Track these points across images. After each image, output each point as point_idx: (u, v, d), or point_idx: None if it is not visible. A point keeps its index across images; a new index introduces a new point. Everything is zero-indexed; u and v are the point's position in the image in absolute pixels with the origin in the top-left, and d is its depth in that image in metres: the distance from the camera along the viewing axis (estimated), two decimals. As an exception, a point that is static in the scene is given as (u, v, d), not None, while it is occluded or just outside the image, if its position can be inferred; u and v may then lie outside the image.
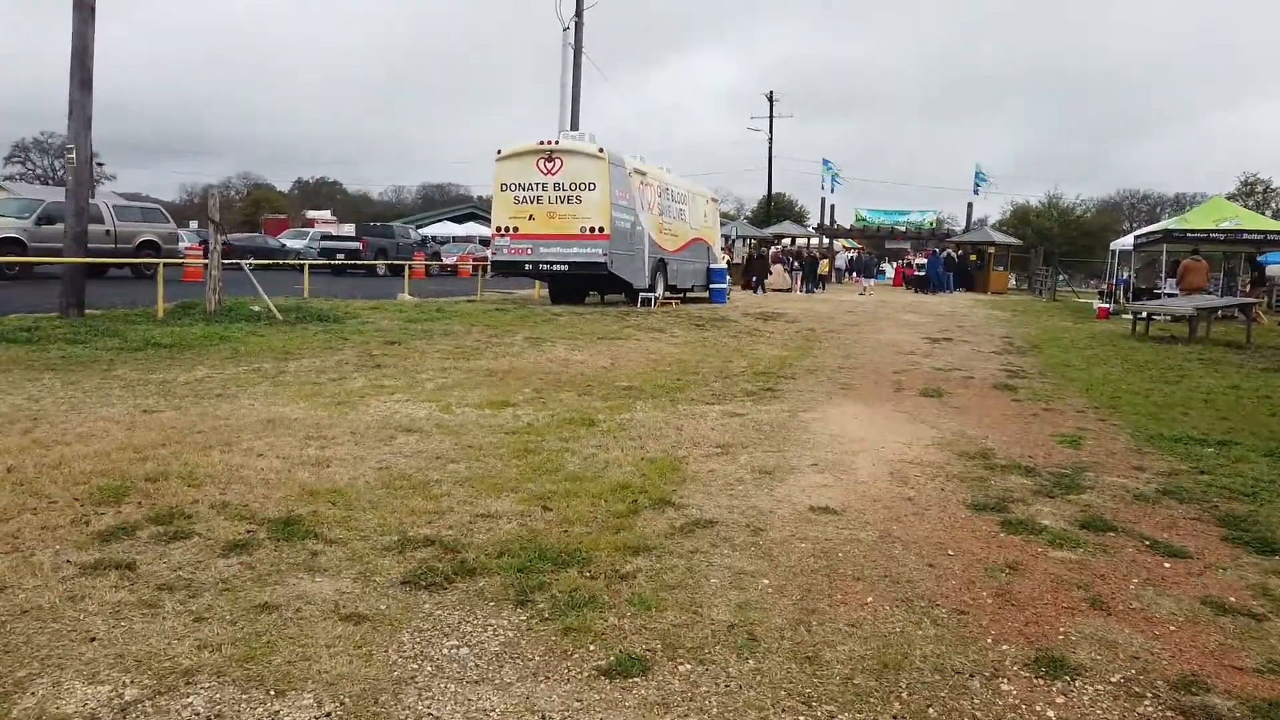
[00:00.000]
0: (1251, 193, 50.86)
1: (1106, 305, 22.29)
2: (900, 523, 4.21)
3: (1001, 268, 38.68)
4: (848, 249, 50.74)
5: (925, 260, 35.18)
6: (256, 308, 12.55)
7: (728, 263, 25.54)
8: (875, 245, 51.72)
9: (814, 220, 48.53)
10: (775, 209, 55.54)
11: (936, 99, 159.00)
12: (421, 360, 9.47)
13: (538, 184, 16.99)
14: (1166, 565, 3.80)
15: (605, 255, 16.67)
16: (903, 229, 42.26)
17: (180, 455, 4.97)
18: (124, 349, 9.41)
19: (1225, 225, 21.21)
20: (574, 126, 24.19)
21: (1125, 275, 27.62)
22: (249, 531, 3.81)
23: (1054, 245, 44.79)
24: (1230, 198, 54.89)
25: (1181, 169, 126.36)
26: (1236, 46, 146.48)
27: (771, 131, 48.99)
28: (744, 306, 21.27)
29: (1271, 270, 27.18)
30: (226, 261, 12.93)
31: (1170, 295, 22.93)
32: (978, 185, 40.75)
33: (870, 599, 3.31)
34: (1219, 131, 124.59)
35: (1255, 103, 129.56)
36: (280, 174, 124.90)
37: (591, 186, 16.70)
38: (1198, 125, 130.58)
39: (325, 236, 35.98)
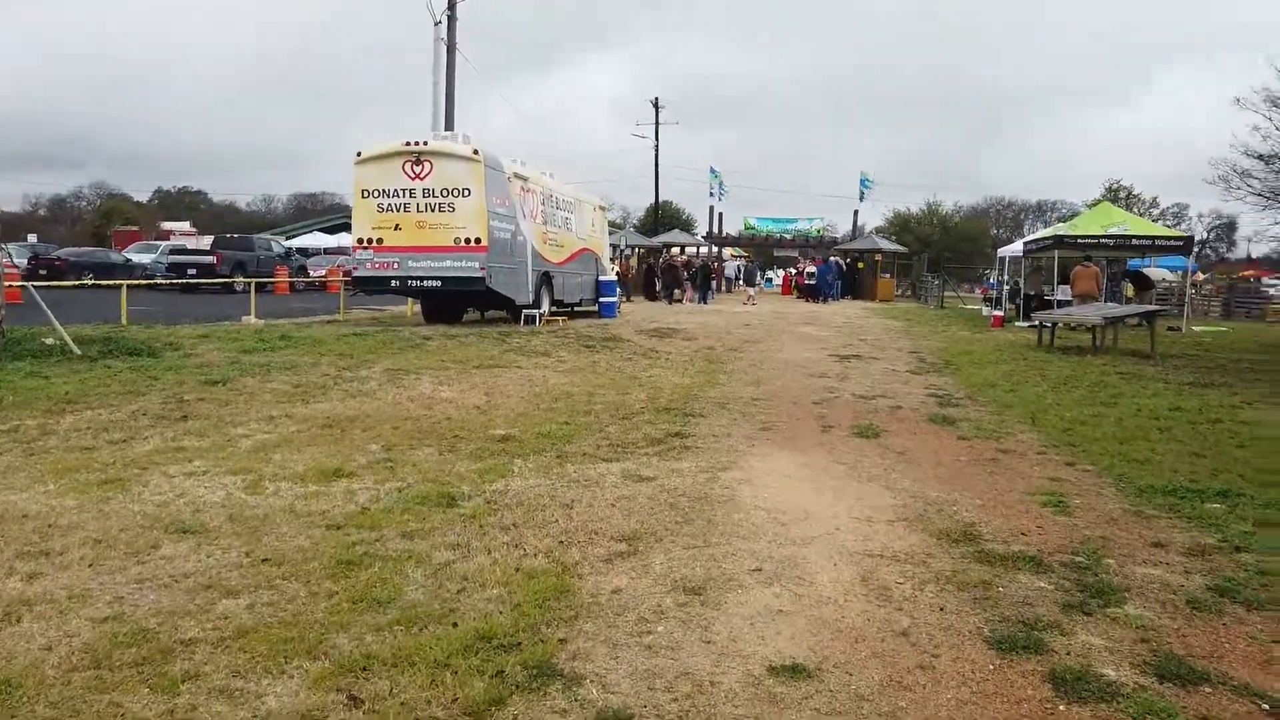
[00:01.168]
0: (1115, 199, 53.08)
1: (1000, 313, 21.95)
2: (907, 690, 2.79)
3: (888, 275, 38.74)
4: (735, 257, 50.29)
5: (816, 268, 34.73)
6: (50, 340, 10.30)
7: (618, 274, 24.13)
8: (764, 253, 51.44)
9: (702, 229, 47.83)
10: (663, 217, 54.67)
11: (819, 110, 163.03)
12: (246, 406, 7.59)
13: (404, 190, 15.13)
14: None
15: (483, 269, 14.96)
16: (790, 237, 41.88)
17: None
18: None
19: (1114, 230, 21.18)
20: (448, 127, 22.31)
21: (1003, 281, 27.59)
22: None
23: (935, 252, 45.46)
24: (1093, 203, 57.55)
25: (1038, 177, 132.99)
26: (1083, 62, 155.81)
27: (658, 138, 48.07)
28: (636, 321, 19.90)
29: (1150, 275, 27.73)
30: (37, 285, 10.60)
31: (1064, 302, 22.89)
32: (863, 192, 40.81)
33: None
34: (1073, 141, 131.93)
35: (1103, 114, 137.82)
36: (142, 184, 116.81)
37: (466, 192, 14.96)
38: (1052, 136, 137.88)
39: (177, 250, 32.67)
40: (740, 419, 7.76)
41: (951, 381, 10.89)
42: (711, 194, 40.62)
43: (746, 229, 41.74)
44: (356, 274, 15.73)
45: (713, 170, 40.56)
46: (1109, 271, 26.23)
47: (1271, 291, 28.55)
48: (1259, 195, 16.21)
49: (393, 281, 15.34)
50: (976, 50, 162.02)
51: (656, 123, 47.91)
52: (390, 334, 13.45)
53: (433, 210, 15.05)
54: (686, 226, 57.45)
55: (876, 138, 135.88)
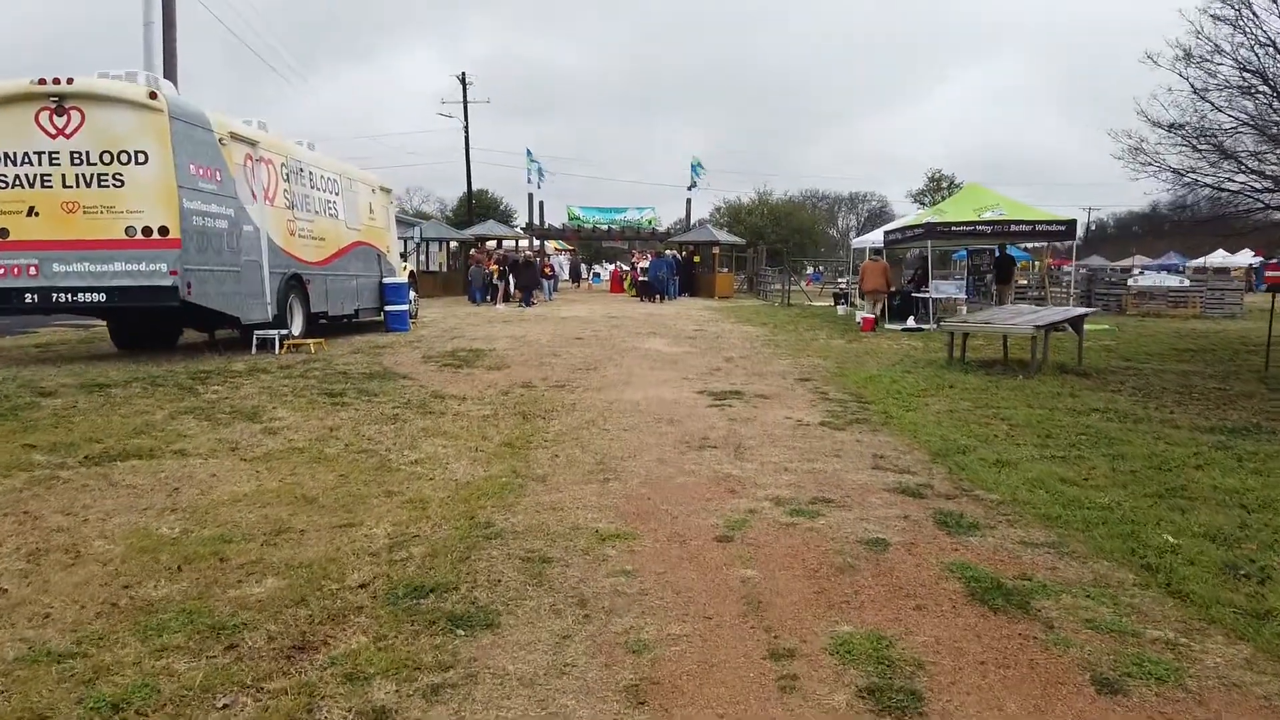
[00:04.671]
0: (938, 188, 52.81)
1: (870, 315, 18.76)
2: None
3: (726, 269, 35.55)
4: (560, 251, 45.95)
5: (649, 263, 30.94)
6: None
7: (410, 275, 19.16)
8: (590, 247, 47.42)
9: (522, 219, 43.15)
10: (478, 207, 49.44)
11: (638, 101, 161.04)
12: None
13: (41, 153, 9.74)
14: None
15: (174, 273, 9.82)
16: (619, 228, 37.97)
17: None
18: None
19: (989, 215, 18.41)
20: (168, 75, 16.54)
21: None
22: None
23: (769, 243, 42.93)
24: (920, 193, 57.31)
25: (845, 168, 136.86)
26: (883, 59, 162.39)
27: (467, 118, 42.77)
28: (432, 338, 15.12)
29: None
30: None
31: (920, 296, 20.04)
32: (695, 179, 37.40)
33: None
34: (872, 134, 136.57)
35: (899, 109, 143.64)
36: None
37: (140, 157, 9.76)
38: (856, 129, 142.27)
39: None
40: (578, 629, 3.38)
41: (897, 444, 6.99)
42: (529, 180, 36.03)
43: (571, 219, 37.45)
44: (-28, 284, 10.14)
45: (529, 153, 35.97)
46: (971, 262, 23.93)
47: (1131, 281, 27.20)
48: (1175, 172, 13.64)
49: (27, 296, 9.88)
50: (783, 44, 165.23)
51: (465, 101, 42.66)
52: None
53: (88, 184, 9.77)
54: (505, 218, 52.47)
55: (695, 127, 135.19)
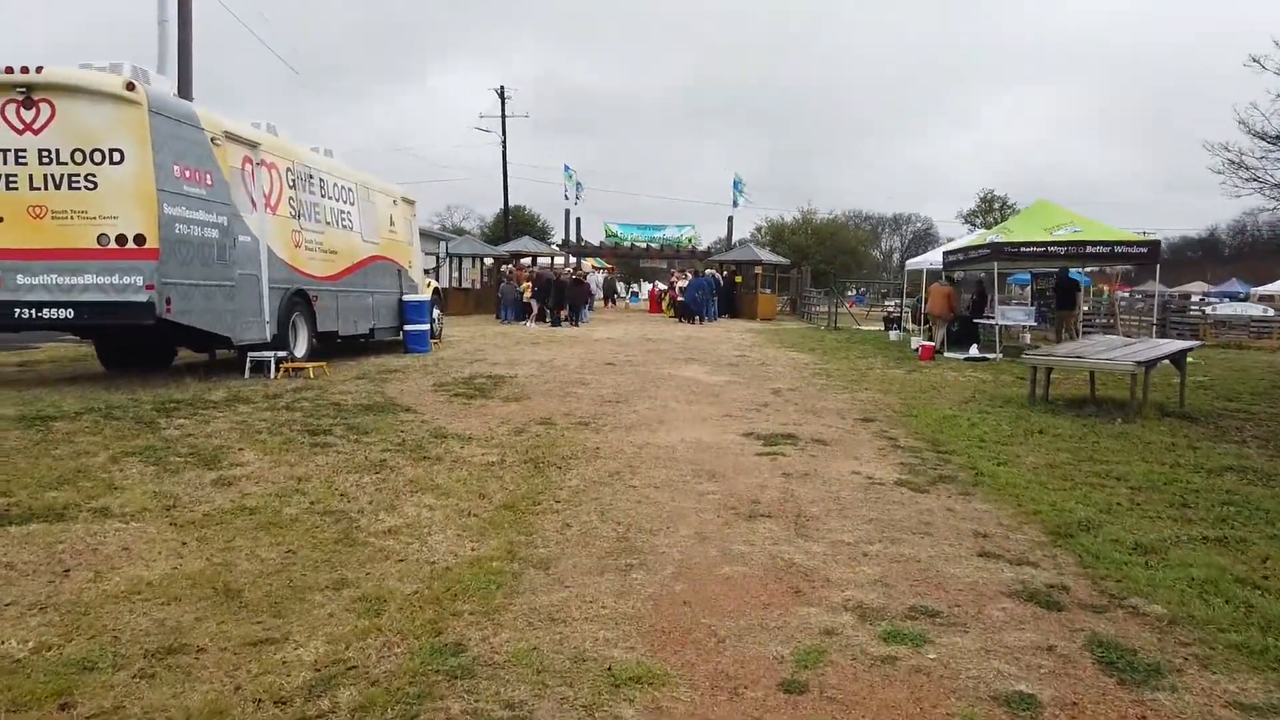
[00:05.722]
0: (990, 209, 50.84)
1: (930, 343, 17.21)
2: None
3: (769, 290, 34.08)
4: (597, 268, 44.85)
5: (688, 283, 29.58)
6: None
7: (435, 292, 18.03)
8: (629, 265, 46.26)
9: (558, 236, 42.10)
10: (516, 223, 48.56)
11: (677, 119, 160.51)
12: None
13: (7, 151, 8.67)
14: None
15: (152, 289, 8.67)
16: (658, 246, 36.69)
17: None
18: None
19: (1062, 235, 16.79)
20: (184, 90, 15.63)
21: (922, 299, 23.13)
22: None
23: (813, 264, 41.40)
24: (971, 214, 55.30)
25: (886, 190, 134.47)
26: (925, 82, 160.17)
27: (505, 132, 41.96)
28: (450, 360, 13.90)
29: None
30: None
31: (981, 323, 18.43)
32: (737, 196, 36.04)
33: None
34: (914, 156, 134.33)
35: (941, 132, 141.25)
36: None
37: (116, 156, 8.65)
38: (897, 150, 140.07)
39: None
40: None
41: (999, 514, 5.54)
42: (566, 196, 34.92)
43: (609, 236, 36.27)
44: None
45: (567, 168, 34.88)
46: (1035, 286, 22.24)
47: (1209, 309, 25.27)
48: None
49: (-9, 311, 8.78)
50: (828, 66, 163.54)
51: (503, 115, 41.85)
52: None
53: (57, 186, 8.67)
54: (542, 235, 51.52)
55: (733, 146, 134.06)
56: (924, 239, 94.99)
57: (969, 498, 5.99)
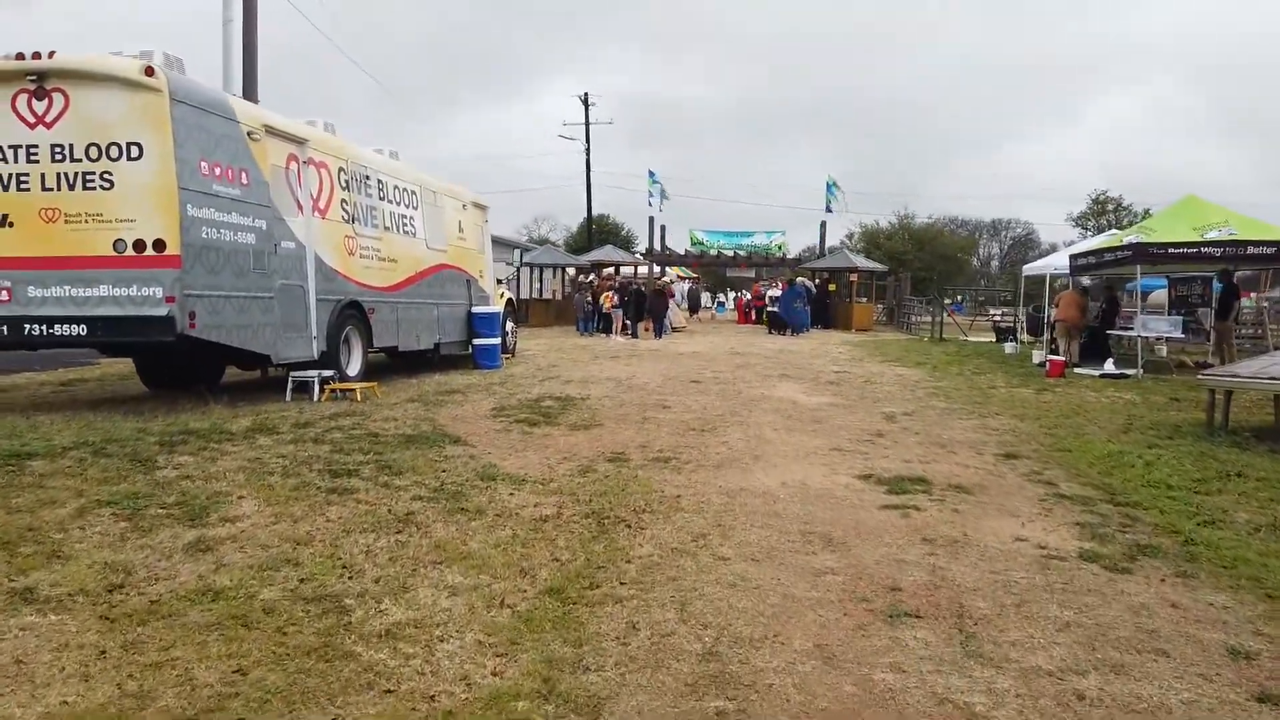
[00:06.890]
0: (1103, 211, 47.40)
1: (1060, 358, 15.17)
2: None
3: (864, 299, 32.04)
4: (683, 278, 43.44)
5: (780, 292, 27.88)
6: None
7: (509, 303, 16.90)
8: (715, 274, 44.67)
9: (642, 245, 40.85)
10: (599, 232, 47.59)
11: (763, 125, 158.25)
12: None
13: (17, 147, 7.76)
14: None
15: (173, 301, 7.61)
16: (745, 254, 34.99)
17: None
18: None
19: (1215, 235, 14.55)
20: (249, 93, 14.90)
21: (1040, 309, 20.92)
22: None
23: (913, 271, 39.07)
24: (1081, 217, 51.80)
25: (984, 192, 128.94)
26: (1024, 85, 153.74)
27: (588, 140, 41.01)
28: (520, 377, 12.65)
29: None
30: None
31: (1120, 333, 16.29)
32: (830, 201, 34.08)
33: None
34: (1012, 160, 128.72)
35: (1053, 135, 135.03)
36: None
37: (134, 151, 7.64)
38: (993, 154, 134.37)
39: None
40: None
41: (1245, 612, 3.88)
42: (650, 203, 33.62)
43: (694, 244, 34.78)
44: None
45: (651, 175, 33.59)
46: (1175, 293, 19.79)
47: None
48: None
49: (-1, 328, 7.86)
50: (911, 68, 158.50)
51: (587, 122, 40.92)
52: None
53: (71, 186, 7.70)
54: (626, 244, 50.39)
55: (823, 151, 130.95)
56: (1024, 244, 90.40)
57: (1192, 582, 4.31)
